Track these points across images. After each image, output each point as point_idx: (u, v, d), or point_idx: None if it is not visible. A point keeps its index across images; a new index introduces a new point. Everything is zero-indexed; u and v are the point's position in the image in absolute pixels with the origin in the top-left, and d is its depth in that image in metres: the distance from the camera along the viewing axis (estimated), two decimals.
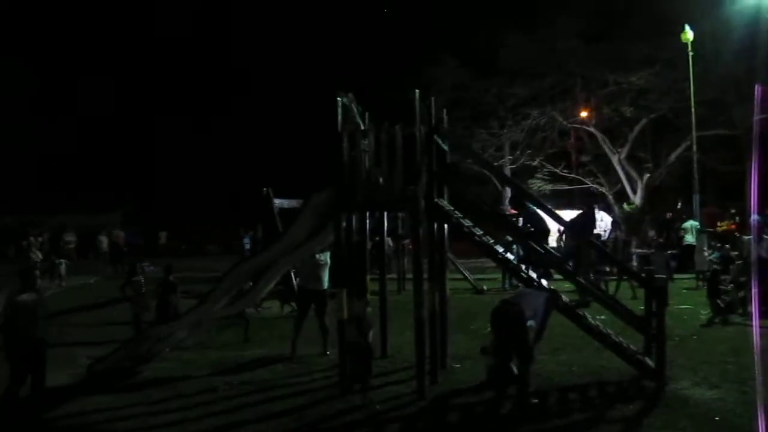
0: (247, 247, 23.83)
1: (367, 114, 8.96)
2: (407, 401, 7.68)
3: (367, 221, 9.06)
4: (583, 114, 27.74)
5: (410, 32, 31.31)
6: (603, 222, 27.63)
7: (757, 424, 6.09)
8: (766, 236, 13.24)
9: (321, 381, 8.63)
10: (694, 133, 22.53)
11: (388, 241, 19.37)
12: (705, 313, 12.38)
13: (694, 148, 22.59)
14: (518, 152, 28.74)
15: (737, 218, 22.96)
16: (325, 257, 10.07)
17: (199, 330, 9.70)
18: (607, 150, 27.77)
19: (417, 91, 7.95)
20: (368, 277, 9.19)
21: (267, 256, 9.36)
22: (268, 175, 20.55)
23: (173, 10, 39.41)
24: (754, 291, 11.69)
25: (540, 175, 29.67)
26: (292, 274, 12.95)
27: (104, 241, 26.40)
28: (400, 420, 7.16)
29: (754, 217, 16.16)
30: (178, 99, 39.56)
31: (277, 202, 15.44)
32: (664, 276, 10.16)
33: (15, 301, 7.29)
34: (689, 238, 19.84)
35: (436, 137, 8.47)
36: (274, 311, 13.94)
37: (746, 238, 15.01)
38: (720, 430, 6.49)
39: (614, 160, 27.69)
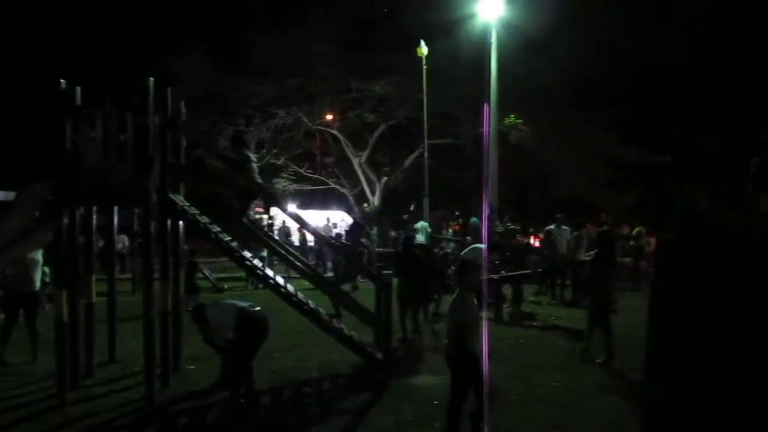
0: None
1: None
2: (135, 408, 7.23)
3: (94, 216, 8.39)
4: (328, 117, 28.62)
5: (161, 21, 29.60)
6: (344, 222, 28.86)
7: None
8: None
9: (37, 393, 7.76)
10: (426, 141, 24.40)
11: (124, 238, 18.25)
12: (431, 306, 13.40)
13: (426, 154, 24.47)
14: (264, 151, 28.82)
15: (460, 220, 25.26)
16: (37, 255, 9.13)
17: None
18: (349, 153, 28.95)
19: (151, 78, 7.53)
20: (94, 278, 8.51)
21: None
22: None
23: None
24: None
25: (285, 175, 30.06)
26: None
27: None
28: (126, 428, 6.71)
29: (474, 220, 17.95)
30: None
31: None
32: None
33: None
34: (420, 238, 21.41)
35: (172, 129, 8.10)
36: None
37: (468, 238, 16.63)
38: (436, 411, 7.02)
39: (355, 163, 28.98)
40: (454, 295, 6.09)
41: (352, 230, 18.05)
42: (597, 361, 9.10)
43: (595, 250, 10.04)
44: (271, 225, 21.70)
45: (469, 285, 6.21)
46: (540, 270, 15.39)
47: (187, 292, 12.06)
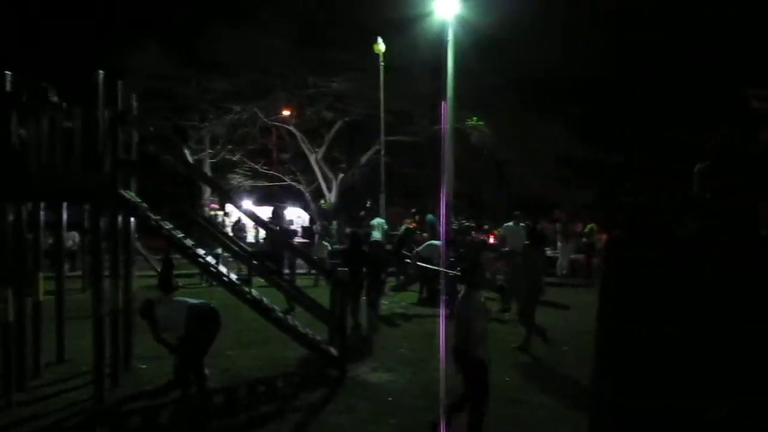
0: None
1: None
2: (84, 408, 7.07)
3: (42, 212, 8.17)
4: (285, 113, 28.37)
5: (113, 12, 28.81)
6: (300, 218, 28.73)
7: (421, 400, 6.80)
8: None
9: None
10: (382, 138, 24.34)
11: (74, 235, 17.81)
12: (386, 304, 13.45)
13: (382, 151, 24.42)
14: (219, 146, 28.46)
15: (417, 217, 25.30)
16: None
17: None
18: (305, 149, 28.76)
19: (101, 72, 7.34)
20: (42, 275, 8.28)
21: None
22: None
23: None
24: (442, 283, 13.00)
25: (241, 171, 29.75)
26: None
27: None
28: (74, 429, 6.56)
29: (430, 217, 18.05)
30: None
31: None
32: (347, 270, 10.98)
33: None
34: (376, 234, 21.42)
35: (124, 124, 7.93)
36: None
37: (425, 235, 16.77)
38: (391, 408, 7.06)
39: (312, 159, 28.79)
40: (460, 295, 5.97)
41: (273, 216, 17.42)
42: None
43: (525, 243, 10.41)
44: (237, 221, 21.48)
45: (476, 284, 6.11)
46: (501, 287, 15.29)
47: (164, 290, 11.87)
